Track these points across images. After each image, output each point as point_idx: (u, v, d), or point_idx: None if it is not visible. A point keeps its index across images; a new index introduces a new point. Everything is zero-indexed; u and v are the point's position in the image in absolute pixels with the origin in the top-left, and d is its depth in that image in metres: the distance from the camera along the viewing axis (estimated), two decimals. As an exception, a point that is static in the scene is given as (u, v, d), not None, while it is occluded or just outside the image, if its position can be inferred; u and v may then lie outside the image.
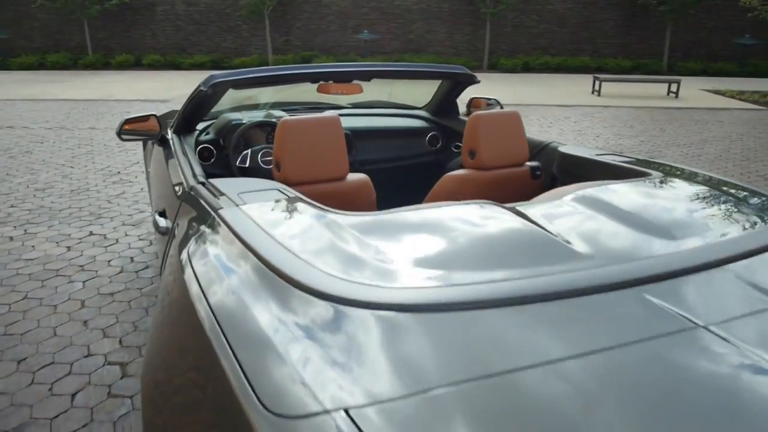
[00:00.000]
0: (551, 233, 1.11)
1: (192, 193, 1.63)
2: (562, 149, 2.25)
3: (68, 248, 3.66)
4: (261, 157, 2.70)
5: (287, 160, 1.85)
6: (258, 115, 2.92)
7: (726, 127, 9.01)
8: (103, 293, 3.01)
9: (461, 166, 2.21)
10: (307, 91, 2.84)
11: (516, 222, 1.15)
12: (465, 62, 17.12)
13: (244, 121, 2.80)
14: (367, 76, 2.56)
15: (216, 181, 1.58)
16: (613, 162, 1.91)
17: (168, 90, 12.35)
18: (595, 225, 1.17)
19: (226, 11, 17.77)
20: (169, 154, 2.35)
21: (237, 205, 1.31)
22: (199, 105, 2.38)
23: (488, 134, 2.12)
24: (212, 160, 2.74)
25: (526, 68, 16.98)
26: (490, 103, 3.25)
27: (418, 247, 1.02)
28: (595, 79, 12.83)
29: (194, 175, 1.80)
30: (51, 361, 2.37)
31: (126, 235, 3.93)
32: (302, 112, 3.18)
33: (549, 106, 11.01)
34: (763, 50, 17.66)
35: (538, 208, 1.28)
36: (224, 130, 2.78)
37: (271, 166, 2.68)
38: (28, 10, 17.77)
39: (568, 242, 1.08)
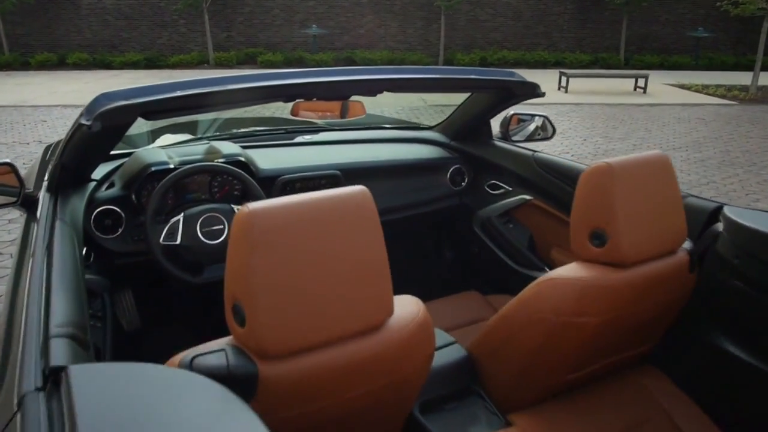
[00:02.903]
0: None
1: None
2: (731, 212, 1.35)
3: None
4: (201, 227, 1.69)
5: (262, 304, 0.85)
6: (194, 153, 1.89)
7: (711, 126, 8.47)
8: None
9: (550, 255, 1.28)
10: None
11: None
12: (420, 58, 16.27)
13: (170, 165, 1.78)
14: (375, 90, 1.60)
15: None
16: None
17: (96, 93, 10.93)
18: None
19: (160, 4, 16.30)
20: (28, 236, 1.34)
21: None
22: (85, 149, 1.38)
23: (629, 201, 1.20)
24: (119, 231, 1.72)
25: (484, 63, 16.28)
26: (538, 126, 2.34)
27: None
28: (562, 74, 12.23)
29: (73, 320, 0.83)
30: None
31: None
32: (266, 143, 2.18)
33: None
34: (716, 43, 17.56)
35: None
36: (138, 179, 1.75)
37: (217, 241, 1.68)
38: (-68, 4, 15.84)
39: None
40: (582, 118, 9.05)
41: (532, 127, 2.41)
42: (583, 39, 17.74)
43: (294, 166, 2.01)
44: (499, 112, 2.14)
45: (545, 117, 2.27)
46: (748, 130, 8.20)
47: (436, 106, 8.67)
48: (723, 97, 11.53)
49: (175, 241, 1.65)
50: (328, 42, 16.80)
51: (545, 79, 14.47)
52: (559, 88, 12.16)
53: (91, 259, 1.62)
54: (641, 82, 12.17)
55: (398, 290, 1.00)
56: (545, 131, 2.38)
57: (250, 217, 0.82)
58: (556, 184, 1.93)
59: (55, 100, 10.04)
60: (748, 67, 15.80)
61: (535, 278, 2.16)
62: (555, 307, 1.18)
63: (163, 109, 1.33)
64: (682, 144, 7.18)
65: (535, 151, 2.08)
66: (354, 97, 1.67)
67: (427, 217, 2.29)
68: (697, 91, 12.39)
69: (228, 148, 1.92)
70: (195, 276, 1.70)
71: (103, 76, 13.71)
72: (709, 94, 11.88)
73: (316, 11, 16.81)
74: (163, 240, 1.64)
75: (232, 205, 1.75)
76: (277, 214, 0.84)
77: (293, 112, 1.70)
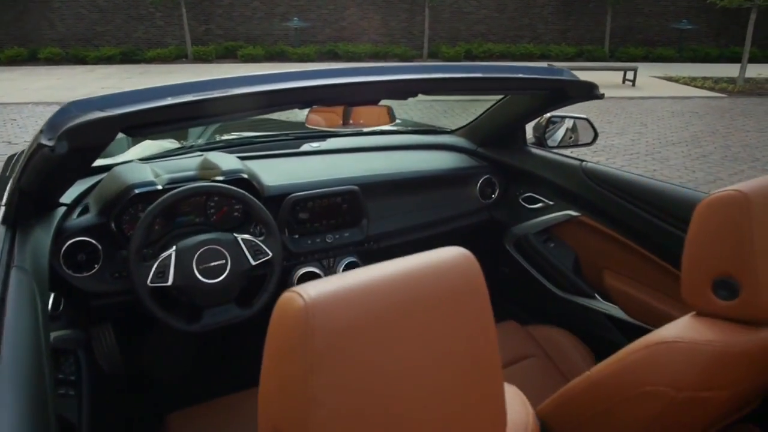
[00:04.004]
0: None
1: None
2: None
3: None
4: (198, 264, 1.39)
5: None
6: (185, 168, 1.59)
7: (705, 119, 8.32)
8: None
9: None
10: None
11: None
12: (404, 51, 15.95)
13: (158, 186, 1.48)
14: (410, 92, 1.33)
15: None
16: None
17: (70, 89, 10.42)
18: None
19: (135, -4, 15.76)
20: None
21: None
22: (49, 174, 1.09)
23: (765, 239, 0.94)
24: (95, 267, 1.42)
25: (469, 56, 16.03)
26: (569, 129, 2.08)
27: None
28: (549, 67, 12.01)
29: None
30: None
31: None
32: (268, 153, 1.90)
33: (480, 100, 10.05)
34: (699, 35, 17.52)
35: None
36: (118, 203, 1.45)
37: (217, 279, 1.39)
38: None
39: None
40: (574, 112, 8.84)
41: (561, 130, 2.15)
42: (567, 31, 17.60)
43: (304, 181, 1.72)
44: (541, 115, 1.88)
45: (587, 119, 2.01)
46: (744, 123, 8.07)
47: (439, 102, 8.40)
48: (711, 89, 11.43)
49: (166, 281, 1.35)
50: (310, 35, 16.41)
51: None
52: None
53: (61, 307, 1.32)
54: (629, 75, 12.02)
55: None
56: (578, 134, 2.12)
57: (307, 313, 0.53)
58: (610, 199, 1.67)
59: (26, 97, 9.54)
60: (731, 59, 15.78)
61: (582, 306, 1.93)
62: (675, 378, 0.91)
63: (152, 122, 1.04)
64: (680, 139, 7.01)
65: (582, 160, 1.81)
66: (381, 102, 1.39)
67: (453, 235, 2.02)
68: (684, 83, 12.28)
69: (226, 162, 1.63)
70: (191, 322, 1.41)
71: (77, 71, 13.17)
72: (697, 87, 11.78)
73: (298, 3, 16.39)
74: (152, 281, 1.34)
75: (235, 235, 1.46)
76: (347, 303, 0.55)
77: (309, 120, 1.42)
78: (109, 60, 14.83)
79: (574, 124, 2.09)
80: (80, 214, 1.46)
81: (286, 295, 0.55)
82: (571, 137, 2.15)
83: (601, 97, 1.57)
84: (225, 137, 2.11)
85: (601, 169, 1.73)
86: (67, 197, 1.46)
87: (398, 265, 0.60)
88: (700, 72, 13.52)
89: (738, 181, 0.99)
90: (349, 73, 1.26)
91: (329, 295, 0.54)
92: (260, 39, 16.32)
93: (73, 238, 1.40)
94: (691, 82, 12.30)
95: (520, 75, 1.47)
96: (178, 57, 15.08)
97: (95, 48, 15.50)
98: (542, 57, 16.16)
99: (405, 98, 1.36)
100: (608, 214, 1.70)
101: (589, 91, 1.55)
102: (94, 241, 1.42)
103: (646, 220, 1.59)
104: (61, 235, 1.38)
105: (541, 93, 1.63)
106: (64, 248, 1.38)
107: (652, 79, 12.80)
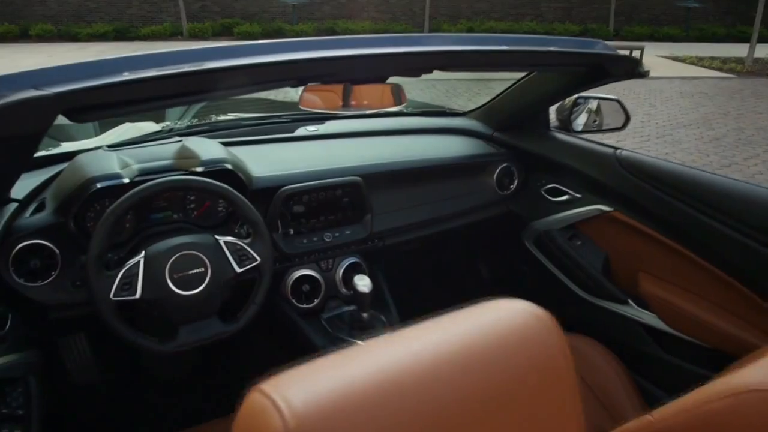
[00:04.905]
0: None
1: None
2: None
3: None
4: (172, 272, 1.17)
5: None
6: (159, 157, 1.35)
7: (716, 100, 8.08)
8: None
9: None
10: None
11: None
12: (404, 29, 15.57)
13: (125, 179, 1.24)
14: (427, 67, 1.10)
15: None
16: None
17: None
18: None
19: (128, -28, 15.33)
20: None
21: None
22: None
23: None
24: (52, 275, 1.19)
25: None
26: (592, 111, 1.85)
27: None
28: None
29: None
30: None
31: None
32: (257, 138, 1.67)
33: (493, 80, 9.76)
34: (707, 14, 17.14)
35: None
36: (78, 199, 1.22)
37: (195, 291, 1.17)
38: None
39: None
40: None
41: (583, 113, 1.92)
42: (571, 9, 17.23)
43: (298, 171, 1.50)
44: (571, 95, 1.65)
45: (618, 101, 1.78)
46: (755, 105, 7.82)
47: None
48: (719, 69, 11.16)
49: (134, 294, 1.13)
50: (308, 12, 16.02)
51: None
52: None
53: (7, 325, 1.10)
54: (635, 54, 11.69)
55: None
56: (605, 117, 1.90)
57: None
58: (650, 193, 1.46)
59: (15, 75, 9.24)
60: (738, 38, 15.43)
61: (612, 312, 1.73)
62: None
63: (101, 104, 0.81)
64: (691, 120, 6.77)
65: (615, 147, 1.59)
66: (391, 79, 1.17)
67: (466, 231, 1.81)
68: (692, 63, 12.00)
69: (207, 149, 1.39)
70: (165, 341, 1.19)
71: (68, 48, 12.85)
72: (705, 67, 11.50)
73: (295, -21, 15.99)
74: (116, 294, 1.12)
75: (217, 237, 1.24)
76: (356, 418, 0.33)
77: (304, 101, 1.19)
78: (102, 37, 14.46)
79: (601, 106, 1.86)
80: (34, 212, 1.24)
81: (253, 402, 0.33)
82: (595, 120, 1.92)
83: (645, 75, 1.35)
84: (209, 120, 1.88)
85: (640, 158, 1.51)
86: (19, 192, 1.24)
87: (433, 338, 0.38)
88: (708, 52, 13.21)
89: (754, 165, 0.78)
90: (352, 44, 1.04)
91: (326, 404, 0.32)
92: (257, 16, 15.93)
93: (25, 240, 1.17)
94: (698, 62, 12.01)
95: (553, 48, 1.24)
96: (173, 34, 14.70)
97: (87, 24, 15.11)
98: (546, 35, 15.84)
99: (418, 75, 1.13)
100: (647, 210, 1.48)
101: (631, 69, 1.33)
102: (50, 245, 1.20)
103: (693, 219, 1.38)
104: (9, 237, 1.16)
105: (576, 70, 1.40)
106: (13, 253, 1.16)
107: (659, 59, 12.48)
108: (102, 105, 0.83)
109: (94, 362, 1.62)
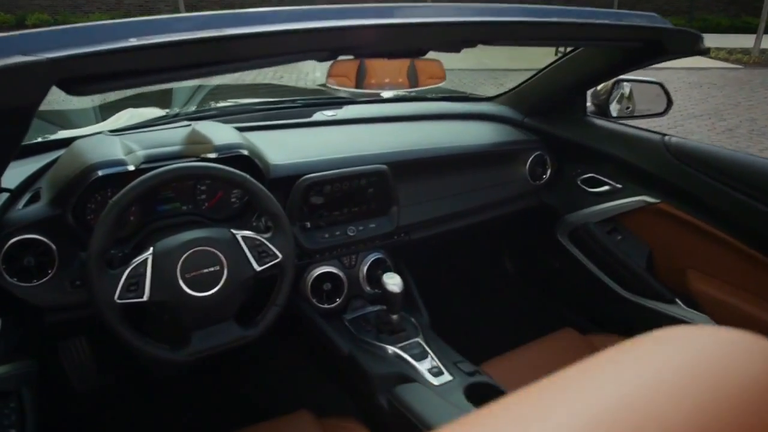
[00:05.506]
0: None
1: None
2: None
3: None
4: (184, 271, 1.03)
5: None
6: (167, 143, 1.21)
7: (725, 91, 7.94)
8: None
9: None
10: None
11: None
12: None
13: (129, 166, 1.11)
14: (470, 40, 0.97)
15: None
16: None
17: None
18: None
19: (125, -39, 15.12)
20: None
21: None
22: None
23: None
24: (48, 273, 1.06)
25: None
26: (625, 96, 1.72)
27: None
28: (559, 37, 11.55)
29: None
30: None
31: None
32: (273, 123, 1.54)
33: (518, 71, 9.61)
34: (710, 4, 16.99)
35: None
36: (77, 188, 1.08)
37: (210, 292, 1.04)
38: None
39: None
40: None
41: (621, 98, 1.79)
42: (571, 1, 17.07)
43: (319, 158, 1.37)
44: (617, 76, 1.52)
45: (658, 84, 1.65)
46: (765, 96, 7.69)
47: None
48: (726, 60, 11.02)
49: (141, 296, 1.00)
50: (310, 4, 15.83)
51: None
52: (556, 53, 11.50)
53: None
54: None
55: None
56: (642, 102, 1.77)
57: None
58: (704, 183, 1.33)
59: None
60: (743, 29, 15.27)
61: (658, 312, 1.60)
62: None
63: (104, 74, 0.68)
64: (702, 111, 6.64)
65: (663, 133, 1.47)
66: (429, 55, 1.04)
67: (495, 224, 1.68)
68: (697, 54, 11.84)
69: (221, 134, 1.26)
70: (177, 349, 1.06)
71: (65, 38, 12.66)
72: (711, 58, 11.33)
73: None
74: (121, 296, 0.99)
75: (233, 231, 1.10)
76: None
77: (332, 76, 1.06)
78: (99, 27, 14.29)
79: (623, 88, 1.72)
80: (28, 204, 1.10)
81: None
82: (628, 107, 1.79)
83: (705, 52, 1.22)
84: (219, 104, 1.74)
85: (693, 145, 1.38)
86: (11, 181, 1.11)
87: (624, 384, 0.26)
88: (713, 42, 12.98)
89: None
90: (386, 13, 0.90)
91: None
92: (258, 6, 15.73)
93: (18, 235, 1.04)
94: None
95: (608, 21, 1.11)
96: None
97: (84, 15, 14.94)
98: (548, 26, 15.69)
99: (459, 49, 1.00)
100: (700, 201, 1.36)
101: (693, 45, 1.19)
102: (45, 240, 1.07)
103: (752, 210, 1.25)
104: (1, 231, 1.03)
105: (629, 46, 1.27)
106: (4, 249, 1.03)
107: (664, 50, 12.34)
108: (104, 76, 0.70)
109: (96, 368, 1.50)
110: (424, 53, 1.01)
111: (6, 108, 0.66)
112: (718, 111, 6.69)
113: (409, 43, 0.97)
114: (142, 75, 0.74)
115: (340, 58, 0.98)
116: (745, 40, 11.93)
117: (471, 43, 1.00)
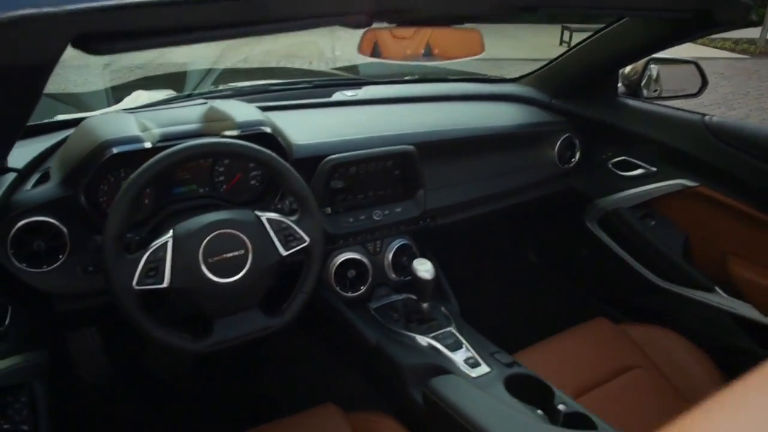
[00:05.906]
0: None
1: None
2: None
3: None
4: (206, 256, 0.96)
5: None
6: (184, 120, 1.13)
7: (733, 81, 7.87)
8: None
9: None
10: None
11: None
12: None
13: (146, 143, 1.03)
14: (531, 4, 0.90)
15: None
16: None
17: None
18: None
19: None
20: None
21: None
22: None
23: None
24: (59, 259, 1.00)
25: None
26: (652, 78, 1.65)
27: None
28: (564, 28, 11.46)
29: None
30: None
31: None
32: (292, 102, 1.47)
33: (520, 60, 9.51)
34: (715, -6, 16.87)
35: None
36: (90, 167, 1.01)
37: (233, 278, 0.97)
38: None
39: None
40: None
41: (644, 79, 1.72)
42: (577, -10, 16.93)
43: (344, 138, 1.30)
44: (656, 52, 1.45)
45: (694, 63, 1.58)
46: (774, 85, 7.62)
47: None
48: (732, 50, 10.95)
49: (161, 282, 0.93)
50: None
51: (546, 34, 13.72)
52: (561, 44, 11.41)
53: (7, 320, 0.91)
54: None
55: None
56: (672, 82, 1.69)
57: None
58: (748, 164, 1.26)
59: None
60: (749, 19, 15.16)
61: (695, 301, 1.54)
62: None
63: (126, 32, 0.61)
64: (711, 101, 6.56)
65: (702, 113, 1.40)
66: (467, 24, 0.97)
67: (521, 210, 1.61)
68: (703, 44, 11.73)
69: (241, 110, 1.19)
70: (198, 339, 0.99)
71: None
72: (717, 47, 11.27)
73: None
74: (138, 282, 0.92)
75: (258, 213, 1.03)
76: None
77: (363, 47, 0.98)
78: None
79: (650, 70, 1.65)
80: (37, 184, 1.04)
81: None
82: (655, 90, 1.72)
83: (757, 22, 1.15)
84: (232, 84, 1.66)
85: (735, 124, 1.31)
86: (19, 160, 1.04)
87: None
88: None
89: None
90: None
91: None
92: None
93: (26, 217, 0.97)
94: (709, 42, 11.75)
95: None
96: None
97: (84, 6, 14.80)
98: (554, 18, 15.53)
99: (521, 13, 0.94)
100: (744, 183, 1.29)
101: (743, 15, 1.12)
102: (56, 222, 1.00)
103: None
104: (7, 213, 0.96)
105: (676, 17, 1.19)
106: (12, 232, 0.97)
107: (669, 40, 12.25)
108: (125, 33, 0.63)
109: (108, 359, 1.44)
110: (476, 18, 0.93)
111: (16, 67, 0.59)
112: (727, 100, 6.62)
113: (470, 5, 0.88)
114: (166, 35, 0.67)
115: (375, 25, 0.91)
116: (751, 31, 11.83)
117: (532, 8, 0.93)
